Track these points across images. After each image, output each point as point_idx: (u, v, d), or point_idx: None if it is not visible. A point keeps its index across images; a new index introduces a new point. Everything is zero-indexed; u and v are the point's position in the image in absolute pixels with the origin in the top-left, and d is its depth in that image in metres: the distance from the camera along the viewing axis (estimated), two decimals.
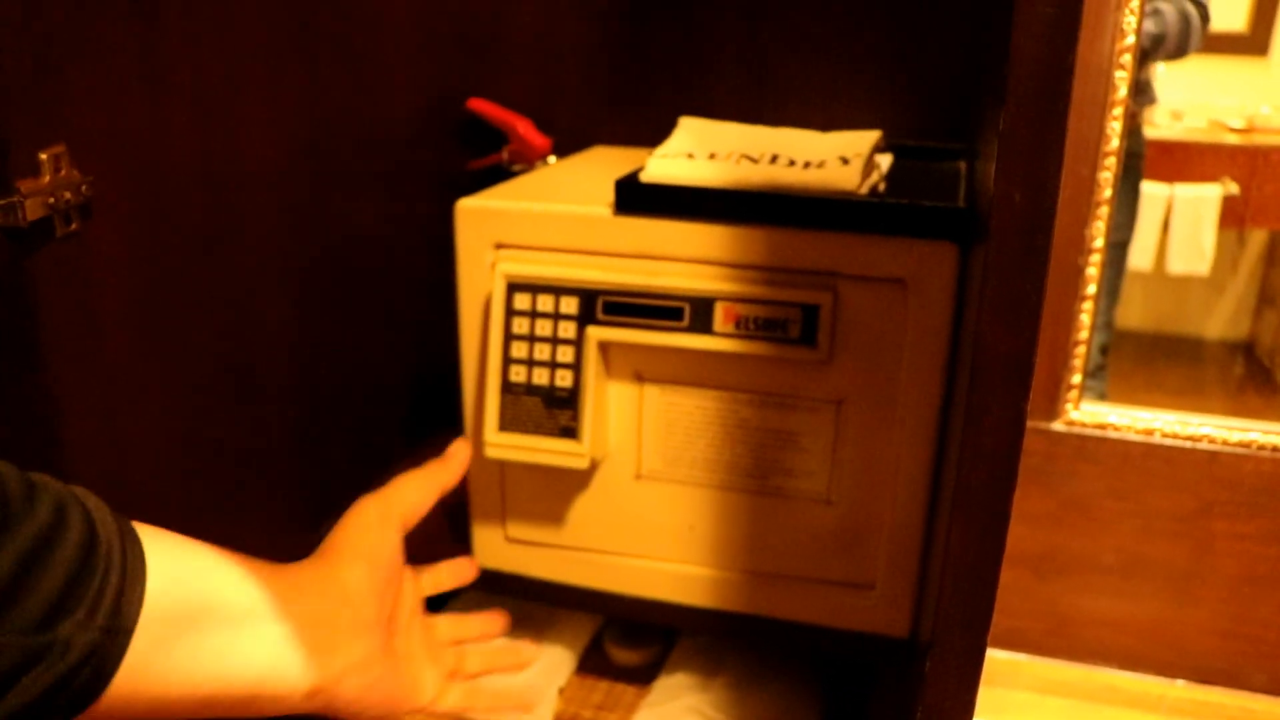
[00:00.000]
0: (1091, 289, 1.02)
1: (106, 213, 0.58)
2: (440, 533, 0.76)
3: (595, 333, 0.63)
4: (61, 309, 0.56)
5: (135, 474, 0.64)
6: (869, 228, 0.58)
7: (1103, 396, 1.09)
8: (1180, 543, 1.06)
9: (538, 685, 0.75)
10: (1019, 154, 0.37)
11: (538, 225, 0.64)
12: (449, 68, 0.91)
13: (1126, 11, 0.93)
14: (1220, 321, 1.39)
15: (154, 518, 0.44)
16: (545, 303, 0.63)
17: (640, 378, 0.65)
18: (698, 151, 0.66)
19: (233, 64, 0.68)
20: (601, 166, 0.77)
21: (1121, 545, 1.08)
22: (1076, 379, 1.05)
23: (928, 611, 0.52)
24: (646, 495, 0.67)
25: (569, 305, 0.63)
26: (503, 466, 0.69)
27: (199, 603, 0.44)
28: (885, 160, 0.71)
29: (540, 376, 0.63)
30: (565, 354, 0.63)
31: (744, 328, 0.60)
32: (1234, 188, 1.26)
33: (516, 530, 0.71)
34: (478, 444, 0.68)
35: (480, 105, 0.90)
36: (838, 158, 0.64)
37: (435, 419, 0.92)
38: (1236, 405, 1.39)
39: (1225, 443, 1.03)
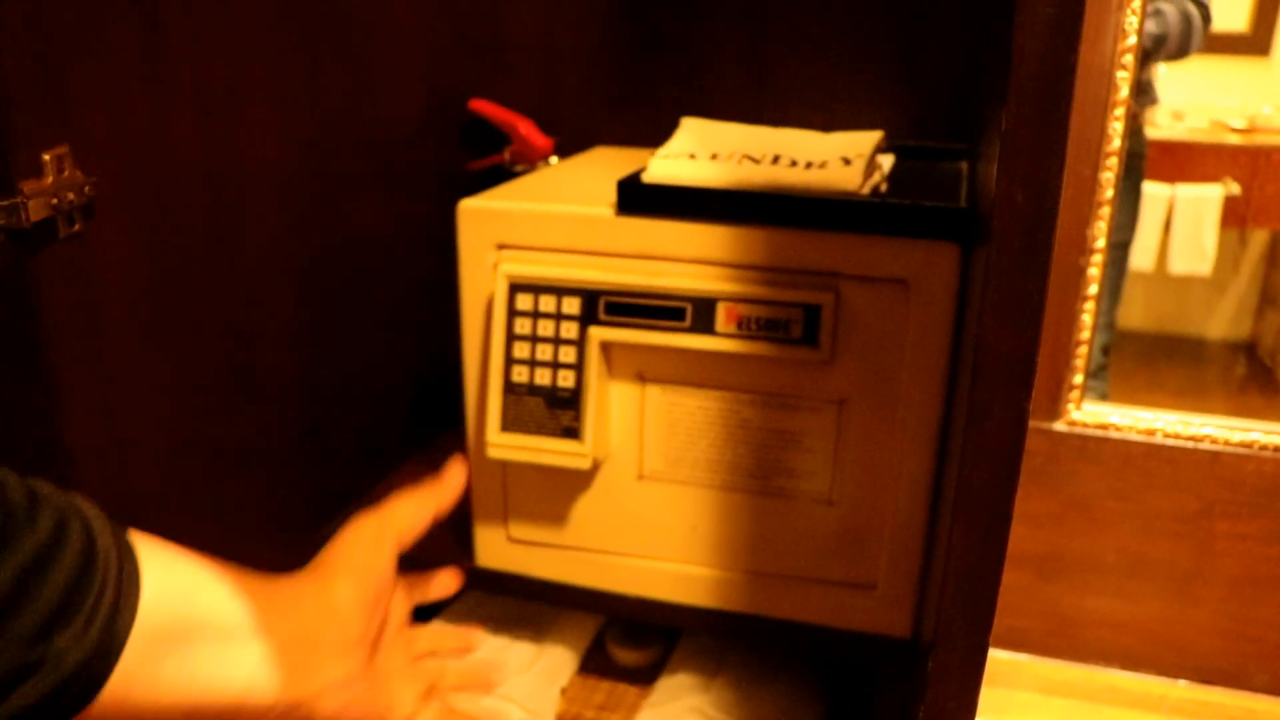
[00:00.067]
0: (1093, 289, 1.02)
1: (109, 213, 0.58)
2: (440, 532, 0.76)
3: (597, 333, 0.63)
4: (64, 309, 0.56)
5: (137, 473, 0.64)
6: (871, 228, 0.58)
7: (1104, 397, 1.10)
8: (1182, 543, 1.06)
9: (539, 686, 0.76)
10: (1021, 154, 0.37)
11: (540, 226, 0.64)
12: (450, 68, 0.91)
13: (1128, 12, 0.93)
14: (1222, 322, 1.39)
15: (155, 517, 0.45)
16: (547, 303, 0.63)
17: (642, 378, 0.65)
18: (700, 152, 0.66)
19: (234, 65, 0.68)
20: (603, 167, 0.77)
21: (1123, 545, 1.08)
22: (1078, 379, 1.05)
23: (930, 612, 0.52)
24: (648, 495, 0.67)
25: (571, 306, 0.63)
26: (505, 467, 0.69)
27: (189, 618, 0.45)
28: (887, 161, 0.71)
29: (542, 377, 0.63)
30: (567, 354, 0.63)
31: (746, 328, 0.60)
32: (1235, 188, 1.26)
33: (519, 530, 0.71)
34: (480, 444, 0.68)
35: (482, 106, 0.90)
36: (839, 158, 0.64)
37: (437, 419, 0.92)
38: (1238, 406, 1.39)
39: (1227, 443, 1.03)
